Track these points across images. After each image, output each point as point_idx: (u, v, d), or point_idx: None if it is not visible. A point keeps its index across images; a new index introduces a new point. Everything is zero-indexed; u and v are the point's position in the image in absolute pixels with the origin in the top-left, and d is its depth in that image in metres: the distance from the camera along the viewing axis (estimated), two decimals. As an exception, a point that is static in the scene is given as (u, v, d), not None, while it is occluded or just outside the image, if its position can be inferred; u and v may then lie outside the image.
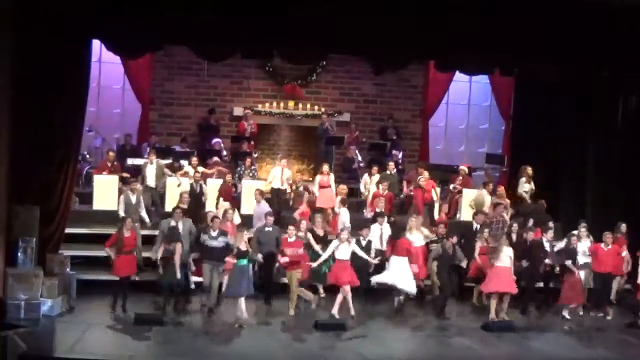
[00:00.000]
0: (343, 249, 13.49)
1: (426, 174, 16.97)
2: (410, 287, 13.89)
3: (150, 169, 16.36)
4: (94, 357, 11.16)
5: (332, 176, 16.83)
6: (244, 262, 13.04)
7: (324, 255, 13.68)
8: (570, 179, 17.58)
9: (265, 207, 15.20)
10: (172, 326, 12.69)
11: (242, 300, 12.95)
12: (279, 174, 16.81)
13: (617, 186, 16.61)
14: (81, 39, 13.74)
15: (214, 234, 13.49)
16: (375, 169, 17.35)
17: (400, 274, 13.80)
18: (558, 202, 17.24)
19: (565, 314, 14.24)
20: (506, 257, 13.68)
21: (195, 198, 15.41)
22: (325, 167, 16.88)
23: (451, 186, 17.80)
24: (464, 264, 14.28)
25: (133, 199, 14.83)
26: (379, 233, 14.57)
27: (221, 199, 15.66)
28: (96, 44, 15.32)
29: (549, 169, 17.56)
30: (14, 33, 12.77)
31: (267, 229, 14.05)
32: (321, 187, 16.49)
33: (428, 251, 14.49)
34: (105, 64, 19.14)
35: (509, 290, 13.71)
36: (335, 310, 13.31)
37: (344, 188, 16.30)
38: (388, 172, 17.45)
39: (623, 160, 16.61)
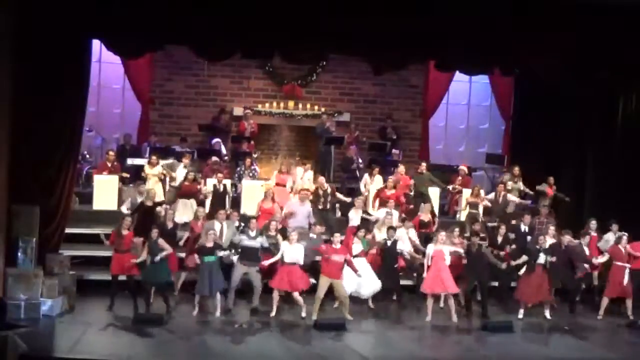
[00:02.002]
0: (292, 251, 13.35)
1: (401, 168, 16.93)
2: (375, 285, 13.86)
3: (181, 171, 16.45)
4: (94, 357, 11.14)
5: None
6: (212, 259, 13.06)
7: (275, 257, 13.50)
8: (570, 179, 17.57)
9: (309, 208, 15.19)
10: (171, 326, 12.68)
11: (218, 297, 13.13)
12: (301, 174, 16.88)
13: (616, 186, 16.62)
14: (81, 39, 13.74)
15: (252, 234, 13.54)
16: (376, 169, 17.33)
17: (362, 280, 13.75)
18: (557, 202, 17.22)
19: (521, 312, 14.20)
20: (447, 256, 13.64)
21: (219, 198, 15.60)
22: (284, 167, 16.93)
23: (450, 187, 17.80)
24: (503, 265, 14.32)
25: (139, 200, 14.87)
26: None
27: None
28: (96, 44, 15.33)
29: (549, 169, 17.54)
30: (14, 33, 12.77)
31: (311, 235, 14.05)
32: (277, 184, 16.42)
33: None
34: (105, 64, 19.15)
35: (444, 291, 13.64)
36: (305, 314, 13.35)
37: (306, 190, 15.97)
38: (420, 171, 17.27)
39: (623, 160, 16.62)
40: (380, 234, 14.47)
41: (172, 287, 13.89)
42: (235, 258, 13.45)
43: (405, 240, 14.53)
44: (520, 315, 14.10)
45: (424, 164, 17.54)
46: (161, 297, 13.33)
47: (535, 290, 13.97)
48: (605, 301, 14.45)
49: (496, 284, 14.85)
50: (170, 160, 17.20)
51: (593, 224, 15.17)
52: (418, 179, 17.07)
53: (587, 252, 14.69)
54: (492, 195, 16.76)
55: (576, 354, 12.67)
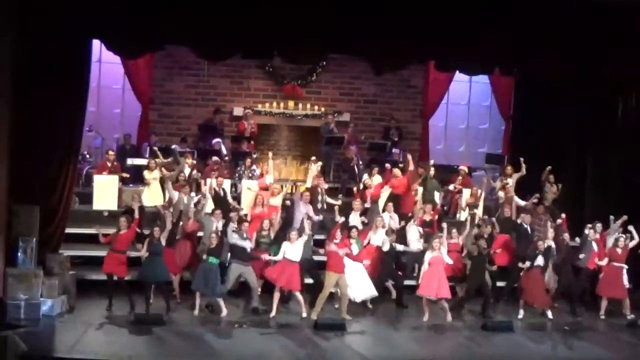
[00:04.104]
0: (292, 250, 13.36)
1: (396, 171, 16.85)
2: (370, 291, 13.88)
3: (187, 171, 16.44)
4: (94, 357, 11.16)
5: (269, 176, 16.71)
6: (214, 261, 13.07)
7: (278, 257, 13.49)
8: (570, 179, 17.57)
9: (308, 208, 15.18)
10: (171, 326, 12.68)
11: (221, 301, 13.18)
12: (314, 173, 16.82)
13: (616, 186, 16.61)
14: (81, 39, 13.75)
15: (244, 235, 13.54)
16: (376, 169, 17.32)
17: (355, 284, 13.75)
18: (557, 202, 17.21)
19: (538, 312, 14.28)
20: (446, 258, 13.68)
21: (219, 198, 15.61)
22: (265, 167, 16.87)
23: (451, 186, 17.78)
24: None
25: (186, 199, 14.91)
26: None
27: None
28: (96, 44, 15.33)
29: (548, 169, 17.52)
30: (14, 33, 12.77)
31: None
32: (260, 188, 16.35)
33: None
34: (105, 64, 19.15)
35: (436, 296, 13.58)
36: (305, 314, 13.39)
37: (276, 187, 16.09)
38: (431, 177, 17.11)
39: (623, 160, 16.61)
40: (375, 237, 14.46)
41: (170, 286, 13.89)
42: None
43: (415, 239, 14.60)
44: (520, 316, 14.10)
45: (433, 168, 17.40)
46: (161, 296, 13.35)
47: (534, 292, 14.00)
48: (604, 301, 14.45)
49: (502, 284, 14.94)
50: (169, 160, 17.21)
51: (599, 226, 15.14)
52: (429, 184, 17.03)
53: (595, 250, 14.80)
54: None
55: (576, 354, 12.68)
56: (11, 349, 10.95)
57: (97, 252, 14.30)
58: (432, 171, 17.20)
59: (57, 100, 13.37)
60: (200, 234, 14.38)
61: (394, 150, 19.81)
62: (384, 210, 15.64)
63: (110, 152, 17.18)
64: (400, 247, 14.41)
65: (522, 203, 16.24)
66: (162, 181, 15.99)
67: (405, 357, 12.17)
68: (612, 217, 15.25)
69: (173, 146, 17.80)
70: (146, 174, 16.35)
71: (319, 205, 15.74)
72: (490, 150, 20.89)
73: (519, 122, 20.33)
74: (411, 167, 16.62)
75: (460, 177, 17.82)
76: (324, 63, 20.18)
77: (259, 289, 13.96)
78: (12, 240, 13.02)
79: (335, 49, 15.33)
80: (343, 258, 13.46)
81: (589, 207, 17.04)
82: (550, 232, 14.61)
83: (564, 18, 14.07)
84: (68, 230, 14.32)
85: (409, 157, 17.06)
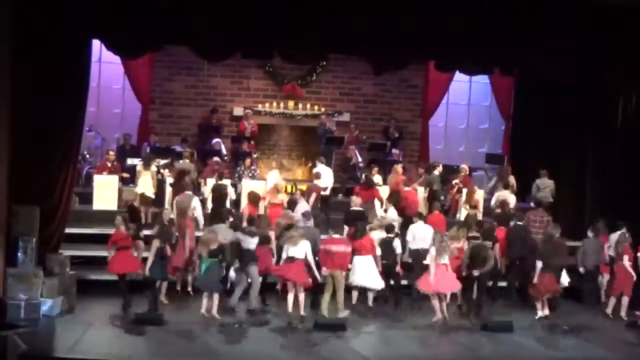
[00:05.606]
0: (298, 249, 13.16)
1: (398, 167, 16.99)
2: (377, 283, 13.85)
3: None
4: (94, 357, 11.16)
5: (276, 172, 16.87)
6: (215, 260, 12.99)
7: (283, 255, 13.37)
8: (570, 179, 17.59)
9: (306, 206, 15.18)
10: (171, 326, 12.68)
11: (205, 297, 12.97)
12: (323, 171, 16.85)
13: (616, 186, 16.62)
14: (81, 39, 13.75)
15: (253, 228, 13.51)
16: (375, 169, 17.33)
17: (365, 273, 13.73)
18: (557, 202, 17.23)
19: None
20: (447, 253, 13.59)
21: (219, 197, 15.58)
22: (273, 164, 17.05)
23: (454, 181, 17.79)
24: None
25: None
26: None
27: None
28: (96, 44, 15.33)
29: (549, 169, 17.54)
30: (14, 33, 12.77)
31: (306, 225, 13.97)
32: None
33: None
34: (105, 64, 19.18)
35: (445, 290, 13.54)
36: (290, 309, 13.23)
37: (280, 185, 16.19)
38: (438, 173, 17.31)
39: (623, 160, 16.63)
40: (375, 234, 14.46)
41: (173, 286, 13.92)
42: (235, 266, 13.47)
43: (421, 236, 14.54)
44: (540, 314, 14.03)
45: (440, 166, 17.61)
46: (151, 295, 13.31)
47: (544, 286, 14.01)
48: (612, 300, 14.46)
49: (503, 283, 15.03)
50: (168, 160, 17.22)
51: (601, 224, 15.15)
52: (435, 180, 17.11)
53: (606, 250, 14.87)
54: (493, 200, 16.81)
55: (576, 353, 12.67)
56: (11, 349, 10.94)
57: (97, 252, 14.31)
58: (440, 168, 17.47)
59: (57, 100, 13.36)
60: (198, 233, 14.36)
61: (393, 150, 19.87)
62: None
63: (111, 152, 17.20)
64: (398, 249, 14.23)
65: (513, 200, 16.26)
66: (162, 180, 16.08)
67: (405, 357, 12.17)
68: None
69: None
70: (140, 167, 16.29)
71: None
72: (490, 150, 20.95)
73: (519, 122, 20.36)
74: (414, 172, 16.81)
75: (461, 174, 17.84)
76: (324, 63, 20.23)
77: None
78: (12, 240, 13.01)
79: (335, 49, 15.36)
80: (338, 254, 13.34)
81: (589, 208, 17.04)
82: (551, 228, 14.65)
83: (564, 18, 14.08)
84: (68, 230, 14.31)
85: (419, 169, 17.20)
